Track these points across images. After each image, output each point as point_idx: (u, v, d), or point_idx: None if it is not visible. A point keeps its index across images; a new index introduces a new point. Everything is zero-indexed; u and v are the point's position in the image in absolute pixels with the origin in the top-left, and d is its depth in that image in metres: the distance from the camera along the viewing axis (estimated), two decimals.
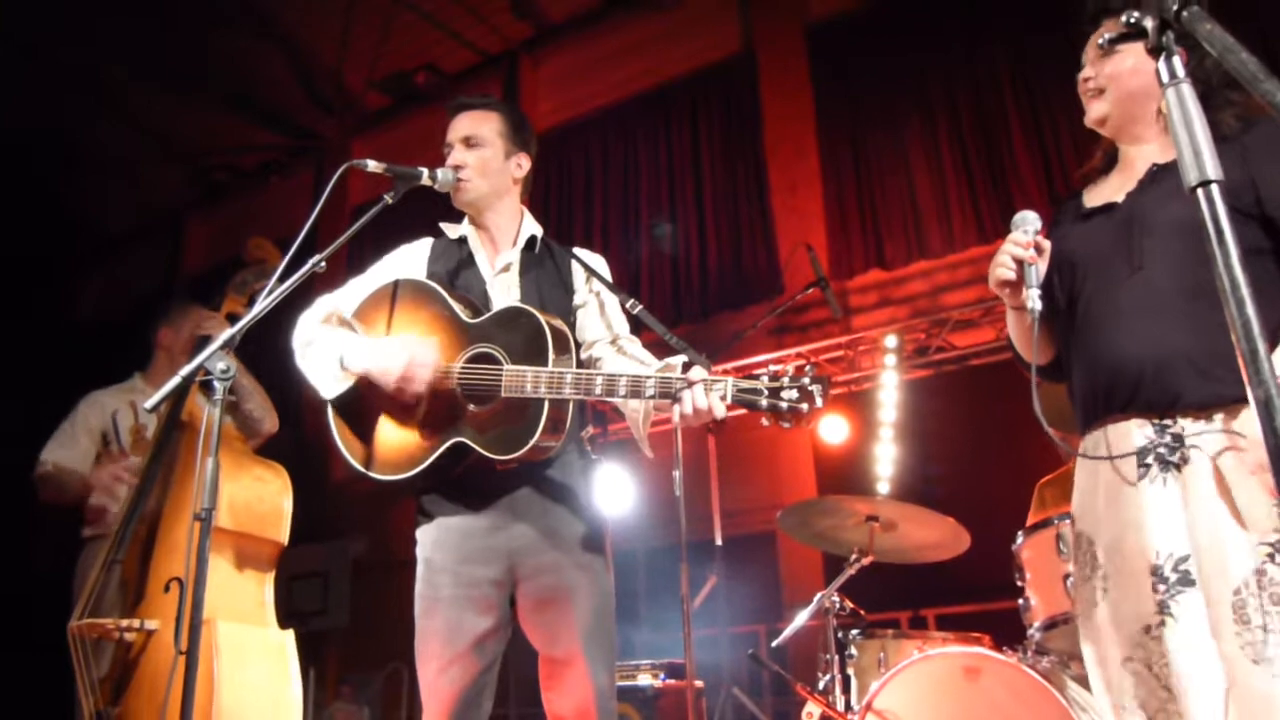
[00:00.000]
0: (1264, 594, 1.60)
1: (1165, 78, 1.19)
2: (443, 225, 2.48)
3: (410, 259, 2.42)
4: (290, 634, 2.95)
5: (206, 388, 1.98)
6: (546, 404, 2.05)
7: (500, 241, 2.42)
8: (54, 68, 8.52)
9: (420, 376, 2.11)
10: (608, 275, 2.41)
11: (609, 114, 8.31)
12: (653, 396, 1.98)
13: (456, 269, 2.38)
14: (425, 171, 2.27)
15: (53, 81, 8.63)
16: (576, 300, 2.39)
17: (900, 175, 6.63)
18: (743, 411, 1.96)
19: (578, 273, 2.42)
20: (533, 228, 2.44)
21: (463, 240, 2.43)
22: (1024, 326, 2.01)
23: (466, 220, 2.45)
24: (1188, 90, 1.17)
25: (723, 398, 1.91)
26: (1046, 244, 1.89)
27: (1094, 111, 1.97)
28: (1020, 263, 1.87)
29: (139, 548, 2.88)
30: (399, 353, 2.12)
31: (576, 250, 2.45)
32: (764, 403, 1.88)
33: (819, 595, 3.53)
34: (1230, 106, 1.85)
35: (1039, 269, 1.86)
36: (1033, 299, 1.82)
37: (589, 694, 2.12)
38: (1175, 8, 1.17)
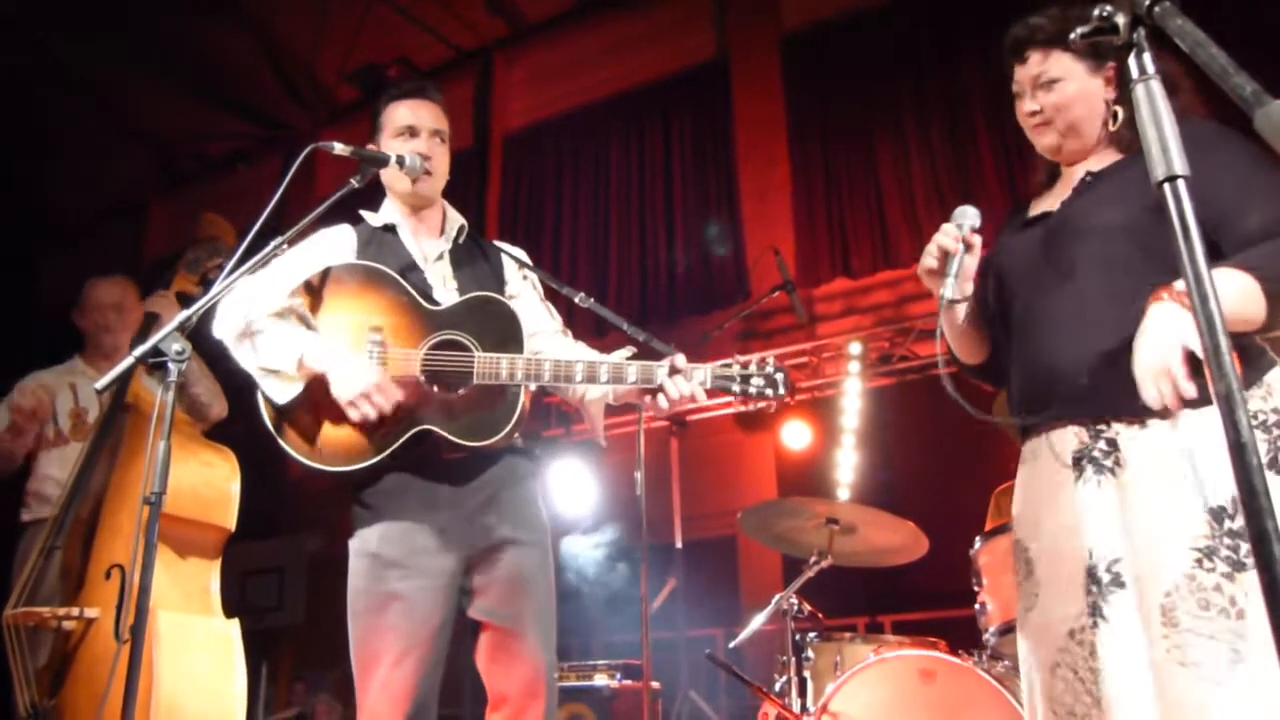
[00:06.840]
0: (1193, 598, 1.59)
1: (1135, 73, 1.19)
2: (364, 213, 2.40)
3: (337, 245, 2.33)
4: (235, 623, 2.87)
5: (159, 369, 1.94)
6: (522, 391, 2.10)
7: (430, 231, 2.40)
8: (18, 48, 8.33)
9: (377, 407, 2.07)
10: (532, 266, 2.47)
11: (581, 115, 8.27)
12: (635, 383, 2.06)
13: (389, 257, 2.31)
14: (393, 156, 2.24)
15: (17, 62, 8.43)
16: (509, 290, 2.38)
17: (869, 185, 6.67)
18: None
19: (508, 264, 2.43)
20: (459, 219, 2.44)
21: (389, 228, 2.37)
22: (953, 324, 2.04)
23: (395, 209, 2.39)
24: (1157, 86, 1.18)
25: (702, 383, 2.06)
26: (977, 240, 1.88)
27: (1044, 141, 1.97)
28: (946, 253, 1.86)
29: (80, 533, 2.79)
30: (362, 378, 2.07)
31: (500, 244, 2.47)
32: (737, 387, 2.06)
33: (777, 597, 3.51)
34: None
35: (961, 261, 1.85)
36: (948, 287, 1.83)
37: (540, 666, 2.13)
38: (1147, 4, 1.17)
